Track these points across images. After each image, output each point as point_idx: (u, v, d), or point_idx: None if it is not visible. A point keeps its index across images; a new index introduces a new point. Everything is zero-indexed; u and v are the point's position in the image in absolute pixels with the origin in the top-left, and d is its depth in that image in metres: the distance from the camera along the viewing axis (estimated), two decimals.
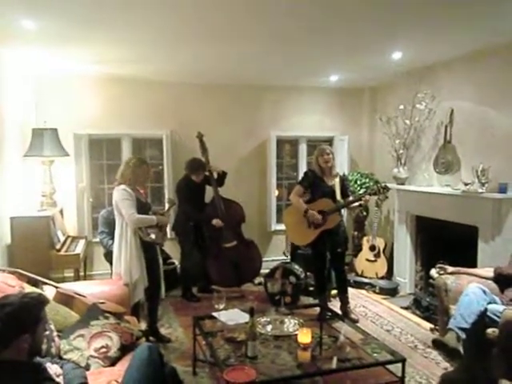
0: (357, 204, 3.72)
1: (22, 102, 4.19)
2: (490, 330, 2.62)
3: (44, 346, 1.96)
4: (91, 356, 2.11)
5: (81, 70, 4.25)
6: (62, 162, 4.38)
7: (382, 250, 4.76)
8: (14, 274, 2.53)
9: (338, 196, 3.70)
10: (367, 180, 5.06)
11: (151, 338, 3.21)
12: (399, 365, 2.31)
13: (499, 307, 2.66)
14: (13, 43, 3.30)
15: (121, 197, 2.97)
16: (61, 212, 4.39)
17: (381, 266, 4.73)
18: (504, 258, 3.15)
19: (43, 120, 4.17)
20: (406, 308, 4.06)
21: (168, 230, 3.65)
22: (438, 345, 2.88)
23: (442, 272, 3.18)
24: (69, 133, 4.47)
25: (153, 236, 3.05)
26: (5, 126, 3.70)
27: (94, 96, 4.66)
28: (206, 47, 3.55)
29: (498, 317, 2.56)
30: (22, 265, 2.99)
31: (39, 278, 2.68)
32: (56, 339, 2.13)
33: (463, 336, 2.62)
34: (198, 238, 4.37)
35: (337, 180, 3.75)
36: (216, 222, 4.29)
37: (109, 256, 3.83)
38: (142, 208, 3.06)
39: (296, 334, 2.45)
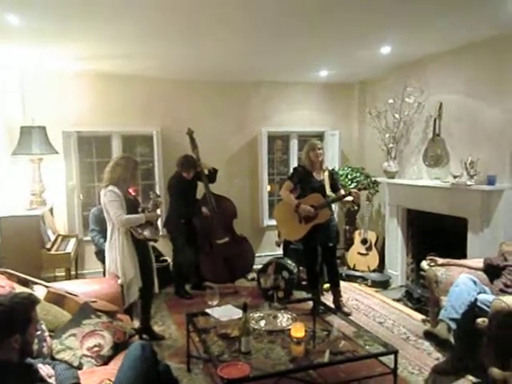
0: (349, 199, 3.74)
1: (8, 100, 4.12)
2: (479, 320, 2.65)
3: (35, 346, 1.95)
4: (84, 355, 2.10)
5: (68, 66, 4.19)
6: (51, 160, 4.33)
7: (373, 243, 4.79)
8: (3, 275, 2.50)
9: (328, 190, 3.72)
10: (358, 174, 5.08)
11: (144, 336, 3.20)
12: (392, 356, 2.33)
13: (489, 297, 2.69)
14: None
15: (108, 198, 2.95)
16: (51, 211, 4.35)
17: (372, 259, 4.77)
18: (493, 249, 3.19)
19: (31, 118, 4.11)
20: (398, 300, 4.10)
21: (160, 225, 3.63)
22: (429, 336, 2.91)
23: (432, 264, 3.20)
24: (57, 130, 4.41)
25: (145, 233, 3.03)
26: None
27: (82, 93, 4.61)
28: (195, 43, 3.52)
29: (488, 306, 2.59)
30: (11, 265, 2.96)
31: (29, 277, 2.65)
32: (48, 339, 2.11)
33: (454, 326, 2.65)
34: (189, 235, 4.36)
35: (326, 174, 3.76)
36: (205, 210, 4.31)
37: (100, 254, 3.81)
38: (131, 206, 3.04)
39: (289, 329, 2.46)
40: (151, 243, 3.25)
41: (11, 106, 4.18)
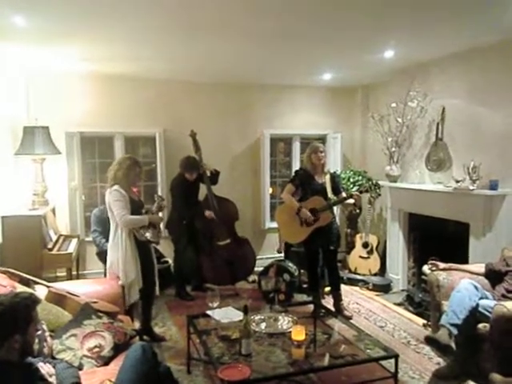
0: (350, 202, 3.73)
1: (12, 100, 4.14)
2: (481, 325, 2.65)
3: (36, 346, 1.95)
4: (84, 356, 2.10)
5: (72, 67, 4.20)
6: (53, 161, 4.34)
7: (374, 247, 4.79)
8: (5, 274, 2.50)
9: (330, 193, 3.72)
10: (360, 178, 5.08)
11: (145, 337, 3.20)
12: (392, 360, 2.32)
13: (490, 302, 2.68)
14: (3, 40, 3.25)
15: (113, 198, 2.96)
16: (53, 211, 4.36)
17: (374, 263, 4.76)
18: (495, 254, 3.18)
19: (34, 118, 4.13)
20: (399, 304, 4.09)
21: (162, 227, 3.64)
22: (430, 341, 2.90)
23: (434, 268, 3.20)
24: (60, 131, 4.42)
25: (148, 235, 3.05)
26: None
27: (86, 94, 4.62)
28: (199, 45, 3.53)
29: (490, 312, 2.58)
30: (13, 264, 2.95)
31: (31, 277, 2.65)
32: (48, 339, 2.11)
33: (455, 332, 2.64)
34: (191, 237, 4.36)
35: (327, 177, 3.76)
36: (209, 213, 4.30)
37: (101, 255, 3.81)
38: (135, 207, 3.05)
39: (290, 332, 2.45)
40: (152, 244, 3.26)
41: (15, 106, 4.19)
